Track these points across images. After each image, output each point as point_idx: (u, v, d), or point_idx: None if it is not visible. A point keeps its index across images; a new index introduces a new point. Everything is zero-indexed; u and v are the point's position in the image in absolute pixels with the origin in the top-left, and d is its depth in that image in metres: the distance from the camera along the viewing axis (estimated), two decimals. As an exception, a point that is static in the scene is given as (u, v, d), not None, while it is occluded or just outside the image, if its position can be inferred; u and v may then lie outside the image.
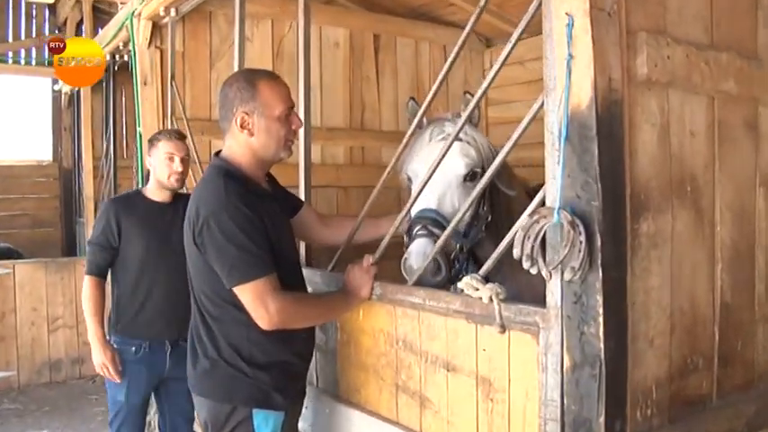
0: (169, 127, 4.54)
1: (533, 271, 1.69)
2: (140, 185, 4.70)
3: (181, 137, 3.39)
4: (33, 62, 8.55)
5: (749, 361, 2.14)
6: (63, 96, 8.13)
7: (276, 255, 2.17)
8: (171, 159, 3.25)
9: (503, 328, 1.82)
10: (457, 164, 2.45)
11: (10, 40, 8.50)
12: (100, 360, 3.20)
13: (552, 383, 1.75)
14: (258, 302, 2.09)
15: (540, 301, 1.79)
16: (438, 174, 2.40)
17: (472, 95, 2.47)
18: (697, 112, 1.92)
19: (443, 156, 2.20)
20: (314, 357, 2.77)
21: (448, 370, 2.09)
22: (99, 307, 3.24)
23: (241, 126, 2.20)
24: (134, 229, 3.24)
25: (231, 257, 2.09)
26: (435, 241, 2.23)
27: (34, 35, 8.60)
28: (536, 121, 5.07)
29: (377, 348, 2.40)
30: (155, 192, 3.34)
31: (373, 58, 5.49)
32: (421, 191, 2.29)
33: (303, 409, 2.78)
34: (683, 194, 1.88)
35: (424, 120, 2.65)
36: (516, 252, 1.68)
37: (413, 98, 2.72)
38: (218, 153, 2.33)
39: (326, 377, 2.70)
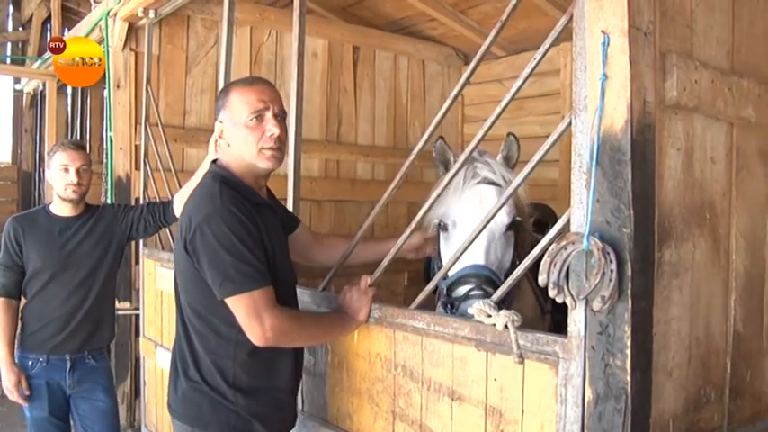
0: (142, 133, 4.40)
1: (559, 300, 1.61)
2: (109, 193, 4.54)
3: (77, 146, 3.27)
4: (-6, 60, 8.28)
5: (757, 392, 2.10)
6: (25, 96, 7.86)
7: (271, 269, 2.03)
8: (66, 170, 3.15)
9: (521, 358, 1.74)
10: (501, 215, 2.28)
11: (-31, 36, 8.22)
12: (4, 384, 3.15)
13: (572, 417, 1.67)
14: (252, 316, 1.94)
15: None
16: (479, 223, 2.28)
17: (515, 137, 2.41)
18: (717, 139, 1.88)
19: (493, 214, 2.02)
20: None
21: (453, 399, 2.00)
22: (5, 329, 3.14)
23: (220, 136, 2.15)
24: (34, 247, 3.16)
25: (225, 266, 1.93)
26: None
27: (-5, 32, 8.34)
28: (521, 140, 4.98)
29: (372, 373, 2.29)
30: (58, 206, 3.25)
31: (351, 70, 5.44)
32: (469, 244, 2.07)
33: (287, 434, 2.67)
34: (703, 222, 1.84)
35: (452, 158, 2.51)
36: (542, 279, 1.60)
37: (442, 138, 2.55)
38: (215, 161, 2.22)
39: (314, 401, 2.58)
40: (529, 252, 2.42)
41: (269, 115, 2.07)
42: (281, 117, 2.11)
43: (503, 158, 2.46)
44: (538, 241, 2.51)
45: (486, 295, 2.09)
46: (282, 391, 2.18)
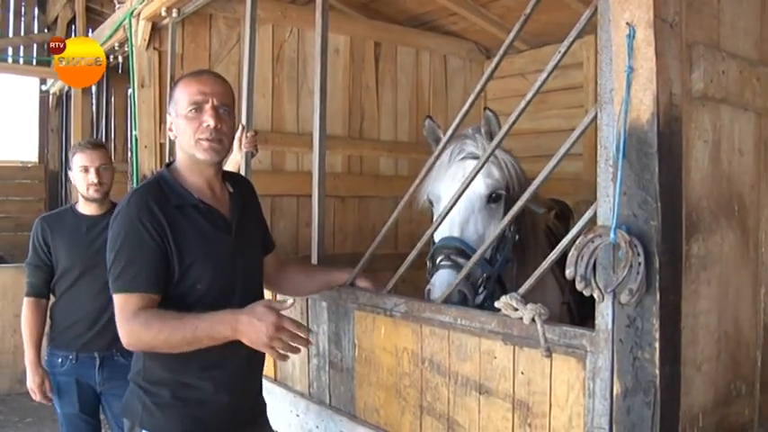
0: (167, 131, 4.43)
1: (587, 293, 1.61)
2: (134, 191, 4.58)
3: (96, 146, 3.30)
4: (21, 61, 8.36)
5: (788, 386, 2.08)
6: (51, 97, 7.96)
7: (186, 274, 2.01)
8: (86, 171, 3.18)
9: (548, 352, 1.74)
10: (478, 185, 2.36)
11: (-3, 37, 8.33)
12: (29, 384, 3.20)
13: (600, 410, 1.67)
14: (118, 318, 1.97)
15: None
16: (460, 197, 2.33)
17: (493, 112, 2.42)
18: (745, 130, 1.86)
19: (469, 181, 2.13)
20: (326, 374, 2.68)
21: (480, 393, 2.01)
22: (34, 329, 3.21)
23: (169, 130, 2.15)
24: (61, 246, 3.21)
25: (110, 264, 2.01)
26: (459, 271, 2.16)
27: (23, 33, 8.41)
28: (544, 134, 4.98)
29: (400, 368, 2.31)
30: (83, 205, 3.30)
31: (373, 66, 5.43)
32: (444, 216, 2.23)
33: (314, 428, 2.70)
34: (731, 214, 1.82)
35: (441, 135, 2.54)
36: (569, 272, 1.60)
37: (429, 117, 2.62)
38: (170, 163, 2.23)
39: (340, 396, 2.60)
40: (528, 226, 2.54)
41: (207, 107, 2.05)
42: (223, 110, 2.09)
43: (485, 134, 2.46)
44: (555, 227, 2.55)
45: (455, 265, 2.20)
46: (199, 387, 2.07)
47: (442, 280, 2.21)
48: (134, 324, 1.93)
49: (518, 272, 2.47)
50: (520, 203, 1.97)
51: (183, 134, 2.06)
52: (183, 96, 2.07)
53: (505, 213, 2.38)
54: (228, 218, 2.16)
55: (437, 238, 2.35)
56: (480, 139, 2.46)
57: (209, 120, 2.03)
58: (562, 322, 2.57)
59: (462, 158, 2.44)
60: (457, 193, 2.17)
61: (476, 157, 2.42)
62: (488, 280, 2.31)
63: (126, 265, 1.97)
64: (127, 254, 1.97)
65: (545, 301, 2.54)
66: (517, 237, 2.46)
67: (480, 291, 2.28)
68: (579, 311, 2.77)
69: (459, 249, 2.25)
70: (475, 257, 2.10)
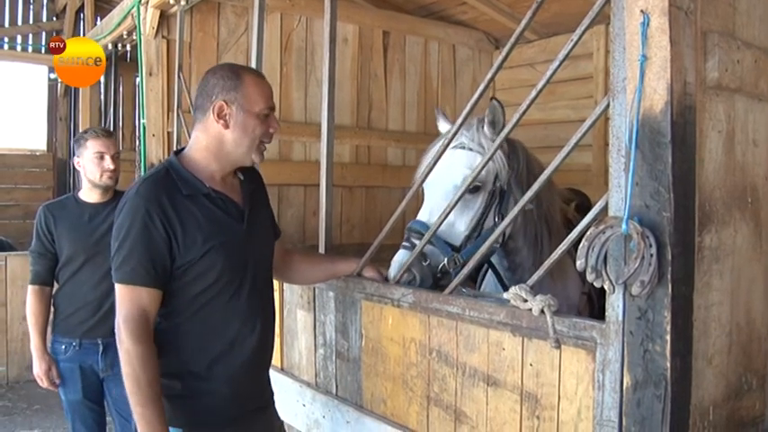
0: (175, 120, 4.43)
1: (597, 284, 1.59)
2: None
3: (109, 134, 3.32)
4: (30, 49, 8.36)
5: (799, 380, 2.06)
6: (59, 85, 7.97)
7: (199, 262, 2.00)
8: (101, 158, 3.19)
9: (557, 343, 1.72)
10: (455, 175, 2.37)
11: (6, 25, 8.31)
12: (35, 371, 3.22)
13: (610, 403, 1.66)
14: (116, 305, 1.97)
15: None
16: (438, 184, 2.40)
17: (499, 102, 2.40)
18: (760, 120, 1.83)
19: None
20: (333, 364, 2.68)
21: (488, 384, 1.99)
22: (38, 317, 3.24)
23: (218, 115, 2.03)
24: (64, 234, 3.22)
25: (113, 253, 2.00)
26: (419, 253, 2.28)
27: (31, 21, 8.42)
28: (552, 124, 4.95)
29: (407, 358, 2.29)
30: (87, 193, 3.30)
31: (382, 55, 5.42)
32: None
33: (320, 418, 2.69)
34: (744, 206, 1.80)
35: (446, 128, 2.61)
36: (580, 264, 1.58)
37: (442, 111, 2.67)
38: (180, 149, 2.18)
39: (347, 386, 2.59)
40: (548, 222, 2.59)
41: (273, 114, 2.14)
42: None
43: (488, 123, 2.46)
44: (575, 219, 2.56)
45: (413, 246, 2.30)
46: (201, 377, 2.05)
47: (397, 259, 2.34)
48: (133, 339, 1.92)
49: (534, 264, 2.46)
50: (522, 203, 1.95)
51: (250, 132, 2.06)
52: (259, 95, 2.07)
53: (487, 205, 2.45)
54: (241, 205, 2.14)
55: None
56: (475, 131, 2.47)
57: (276, 126, 2.13)
58: (582, 312, 2.59)
59: (454, 147, 2.44)
60: (456, 198, 2.20)
61: (464, 147, 2.45)
62: (455, 264, 2.32)
63: (127, 257, 1.96)
64: (129, 245, 1.96)
65: (566, 290, 2.59)
66: (508, 231, 2.48)
67: (440, 275, 2.34)
68: (599, 302, 2.77)
69: (420, 233, 2.33)
70: (421, 244, 2.24)
